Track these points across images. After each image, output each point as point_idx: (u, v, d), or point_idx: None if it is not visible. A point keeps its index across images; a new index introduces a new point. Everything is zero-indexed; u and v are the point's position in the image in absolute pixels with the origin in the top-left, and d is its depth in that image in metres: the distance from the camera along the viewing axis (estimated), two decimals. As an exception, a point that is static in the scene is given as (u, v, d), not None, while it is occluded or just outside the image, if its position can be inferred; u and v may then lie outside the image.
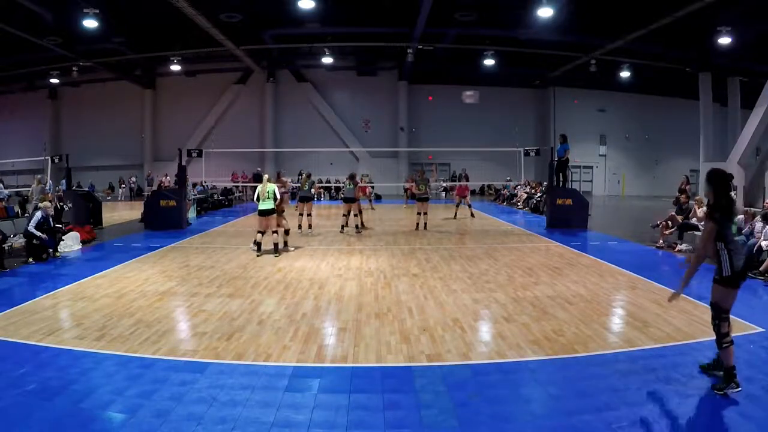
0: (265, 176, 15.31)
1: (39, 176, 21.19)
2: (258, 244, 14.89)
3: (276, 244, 14.92)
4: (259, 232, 14.88)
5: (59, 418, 5.27)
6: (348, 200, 19.48)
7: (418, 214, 20.31)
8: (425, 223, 20.14)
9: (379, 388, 5.96)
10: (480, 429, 5.09)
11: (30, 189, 20.83)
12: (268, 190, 14.62)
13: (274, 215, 14.81)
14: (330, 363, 6.74)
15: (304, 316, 8.76)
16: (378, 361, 6.79)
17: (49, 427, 5.11)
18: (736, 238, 7.33)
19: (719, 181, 6.07)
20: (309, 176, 19.47)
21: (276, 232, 15.03)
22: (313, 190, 19.78)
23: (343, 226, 19.52)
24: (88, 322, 8.36)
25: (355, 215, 19.86)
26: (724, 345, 5.91)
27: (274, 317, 8.64)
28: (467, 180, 30.13)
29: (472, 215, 25.25)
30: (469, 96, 41.02)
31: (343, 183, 20.30)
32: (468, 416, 5.29)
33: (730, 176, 6.13)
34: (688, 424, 5.10)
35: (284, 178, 19.72)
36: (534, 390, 6.00)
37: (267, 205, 14.57)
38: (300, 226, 19.16)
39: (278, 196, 14.82)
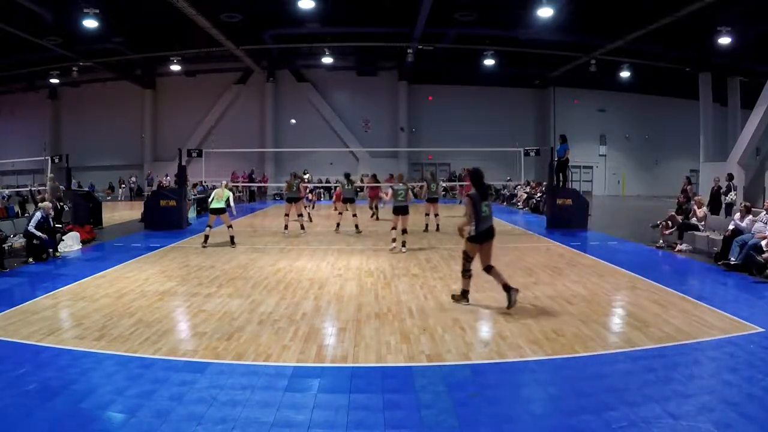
0: (223, 182, 17.43)
1: (52, 175, 21.26)
2: (206, 237, 16.39)
3: (232, 237, 16.45)
4: (208, 226, 16.46)
5: (59, 418, 5.27)
6: (347, 200, 19.52)
7: (427, 215, 20.28)
8: (427, 225, 20.13)
9: (379, 388, 5.95)
10: (480, 429, 5.08)
11: (46, 187, 20.99)
12: (224, 195, 16.21)
13: (225, 213, 16.23)
14: (330, 363, 6.73)
15: (304, 316, 8.76)
16: (378, 361, 6.78)
17: (49, 427, 5.11)
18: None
19: (474, 177, 9.47)
20: (295, 176, 19.40)
21: (230, 226, 16.50)
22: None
23: (338, 224, 19.64)
24: (88, 322, 8.35)
25: (354, 215, 19.82)
26: (466, 275, 9.45)
27: (274, 317, 8.64)
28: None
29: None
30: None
31: (340, 183, 20.28)
32: (468, 416, 5.28)
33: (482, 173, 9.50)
34: (687, 424, 5.09)
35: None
36: (534, 390, 6.01)
37: (219, 204, 16.14)
38: (286, 227, 19.13)
39: (232, 203, 16.37)
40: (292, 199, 18.89)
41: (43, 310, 9.09)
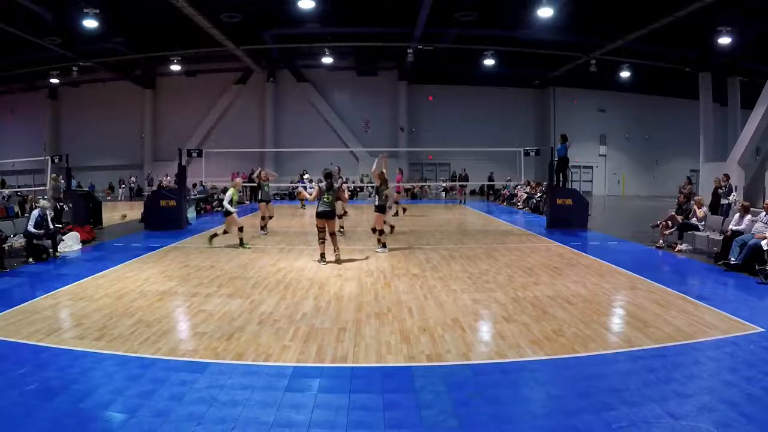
0: (237, 179, 16.96)
1: (54, 174, 21.35)
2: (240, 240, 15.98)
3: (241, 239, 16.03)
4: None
5: (59, 418, 5.28)
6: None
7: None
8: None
9: (380, 388, 5.96)
10: (480, 429, 5.10)
11: (47, 186, 21.10)
12: (229, 195, 15.85)
13: (231, 215, 15.75)
14: (330, 363, 6.74)
15: (304, 315, 8.76)
16: (378, 361, 6.79)
17: (49, 426, 5.13)
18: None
19: (325, 175, 13.37)
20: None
21: (226, 232, 16.17)
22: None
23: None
24: (88, 322, 8.36)
25: (339, 217, 19.81)
26: (320, 242, 13.56)
27: (274, 317, 8.64)
28: (466, 180, 30.11)
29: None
30: None
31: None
32: (468, 416, 5.30)
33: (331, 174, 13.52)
34: (687, 424, 5.09)
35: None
36: (534, 390, 6.01)
37: (227, 206, 15.71)
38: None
39: (230, 200, 15.72)
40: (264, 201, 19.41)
41: (43, 310, 9.09)
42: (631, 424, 5.09)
